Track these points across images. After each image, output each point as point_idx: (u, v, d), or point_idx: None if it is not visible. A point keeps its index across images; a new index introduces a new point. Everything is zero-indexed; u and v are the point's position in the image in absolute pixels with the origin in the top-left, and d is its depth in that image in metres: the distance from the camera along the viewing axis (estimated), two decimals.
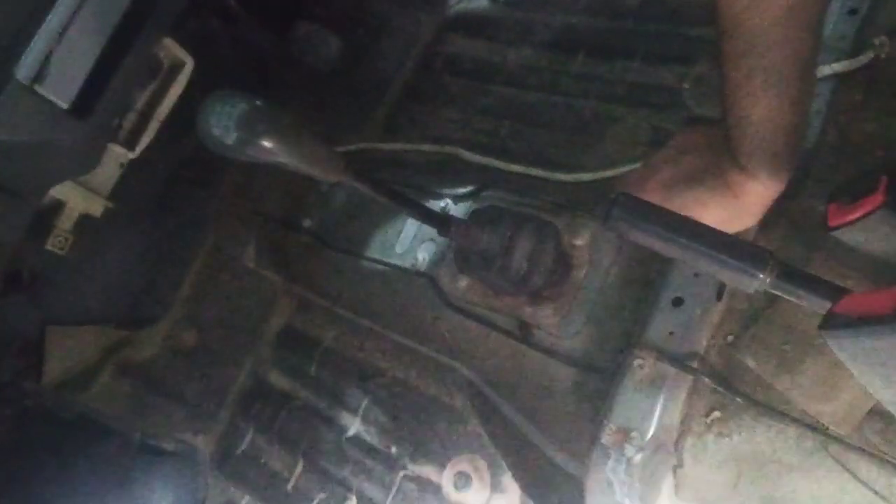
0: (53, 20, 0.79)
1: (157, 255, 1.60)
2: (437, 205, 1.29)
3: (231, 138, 0.75)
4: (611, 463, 0.95)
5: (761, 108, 0.79)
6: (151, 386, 1.62)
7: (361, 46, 1.69)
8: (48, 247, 1.27)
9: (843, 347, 0.60)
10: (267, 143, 0.75)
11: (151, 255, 1.59)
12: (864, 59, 1.02)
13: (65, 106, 0.87)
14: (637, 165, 1.14)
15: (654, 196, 0.92)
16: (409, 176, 1.44)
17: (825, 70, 1.02)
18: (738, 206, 0.88)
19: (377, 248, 1.36)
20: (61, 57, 0.82)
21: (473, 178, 1.35)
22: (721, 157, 0.87)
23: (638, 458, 0.94)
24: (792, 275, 0.71)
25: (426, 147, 1.51)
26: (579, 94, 1.44)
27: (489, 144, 1.51)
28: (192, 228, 1.65)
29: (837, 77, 1.04)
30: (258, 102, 0.77)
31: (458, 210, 1.27)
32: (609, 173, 1.25)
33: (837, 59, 1.03)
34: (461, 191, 1.30)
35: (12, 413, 1.45)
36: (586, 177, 1.27)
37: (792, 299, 0.72)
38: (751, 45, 0.76)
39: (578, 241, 1.12)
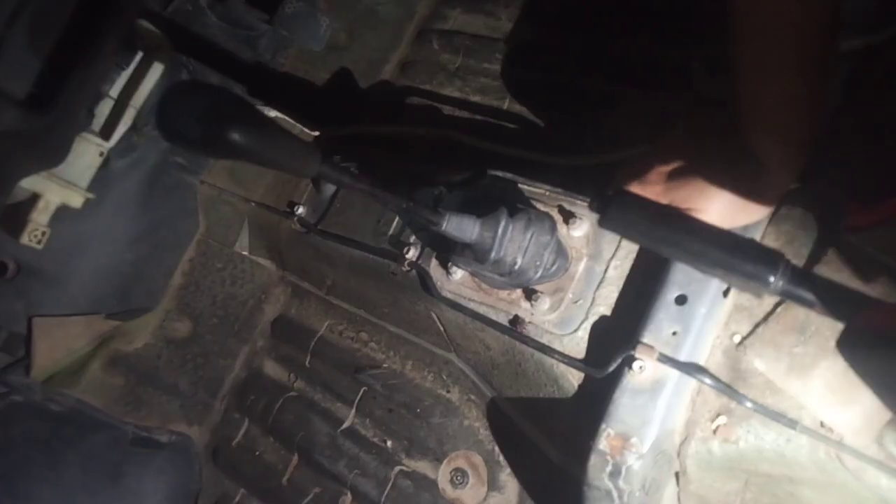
0: (2, 5, 0.73)
1: (146, 244, 1.55)
2: (431, 192, 1.23)
3: (194, 133, 0.69)
4: (609, 470, 0.90)
5: (775, 90, 0.73)
6: (143, 377, 1.58)
7: (354, 24, 1.62)
8: (23, 241, 1.22)
9: (865, 367, 0.55)
10: (233, 138, 0.69)
11: (141, 243, 1.54)
12: (886, 33, 0.94)
13: (21, 97, 0.81)
14: (640, 148, 1.07)
15: (656, 187, 0.86)
16: (403, 161, 1.38)
17: (844, 46, 0.95)
18: (748, 197, 0.82)
19: (369, 236, 1.30)
20: (14, 45, 0.76)
21: (469, 162, 1.28)
22: (730, 146, 0.81)
23: (638, 465, 0.88)
24: (806, 280, 0.65)
25: (421, 130, 1.44)
26: (581, 73, 1.37)
27: (487, 126, 1.45)
28: (182, 216, 1.60)
29: (857, 53, 0.96)
30: (223, 94, 0.71)
31: (452, 198, 1.20)
32: (611, 157, 1.18)
33: (857, 34, 0.95)
34: (456, 177, 1.23)
35: (0, 407, 1.42)
36: (587, 161, 1.21)
37: (805, 307, 0.66)
38: (764, 23, 0.69)
39: (577, 233, 1.06)
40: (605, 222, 0.74)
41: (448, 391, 1.35)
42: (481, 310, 1.10)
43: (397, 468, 1.34)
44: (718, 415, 0.89)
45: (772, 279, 0.66)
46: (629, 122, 1.28)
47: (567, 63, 1.40)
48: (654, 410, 0.88)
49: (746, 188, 0.81)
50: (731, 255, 0.67)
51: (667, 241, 0.69)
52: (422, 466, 1.33)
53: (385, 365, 1.43)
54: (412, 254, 1.19)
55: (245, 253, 1.66)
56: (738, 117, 0.78)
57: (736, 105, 0.78)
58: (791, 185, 0.82)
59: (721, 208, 0.82)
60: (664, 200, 0.83)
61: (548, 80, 1.42)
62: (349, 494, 1.37)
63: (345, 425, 1.43)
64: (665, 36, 1.32)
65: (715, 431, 0.89)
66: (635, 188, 0.86)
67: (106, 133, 1.24)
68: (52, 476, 1.44)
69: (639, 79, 1.31)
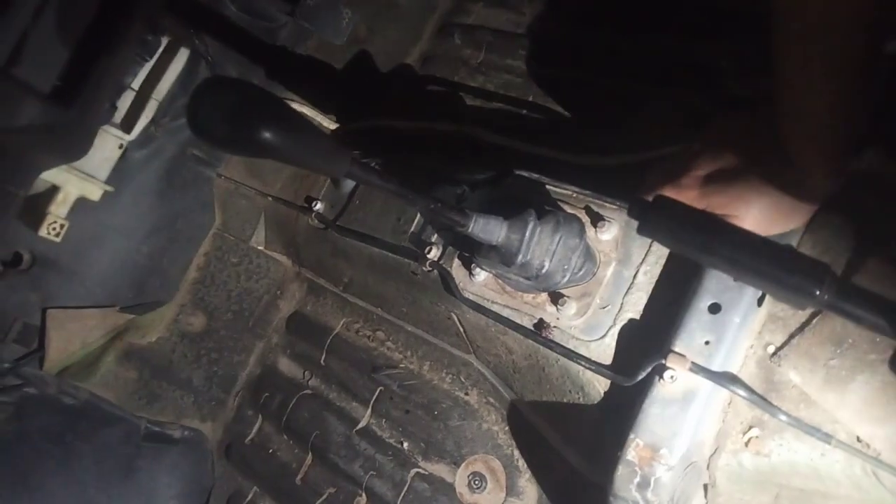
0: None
1: (162, 237, 1.53)
2: (453, 191, 1.20)
3: (222, 131, 0.67)
4: (637, 481, 0.88)
5: (818, 97, 0.70)
6: (157, 371, 1.57)
7: (375, 17, 1.59)
8: (41, 233, 1.20)
9: None
10: (264, 137, 0.67)
11: (157, 236, 1.52)
12: None
13: (46, 90, 0.79)
14: (669, 149, 1.05)
15: (689, 192, 0.84)
16: (423, 157, 1.36)
17: (887, 48, 0.91)
18: (787, 203, 0.80)
19: (389, 234, 1.28)
20: (38, 38, 0.74)
21: (492, 160, 1.26)
22: (768, 149, 0.78)
23: (667, 477, 0.86)
24: (853, 294, 0.63)
25: (443, 126, 1.42)
26: (607, 71, 1.34)
27: (510, 124, 1.42)
28: (198, 209, 1.58)
29: None
30: (254, 91, 0.69)
31: (476, 197, 1.18)
32: (639, 158, 1.16)
33: None
34: (480, 176, 1.21)
35: (13, 400, 1.40)
36: (615, 161, 1.18)
37: (851, 321, 0.64)
38: (810, 27, 0.67)
39: (605, 236, 1.03)
40: (644, 229, 0.71)
41: (466, 393, 1.33)
42: (505, 313, 1.08)
43: (414, 470, 1.32)
44: (751, 427, 0.87)
45: (817, 292, 0.64)
46: (657, 122, 1.25)
47: (592, 60, 1.37)
48: (684, 421, 0.86)
49: (786, 195, 0.79)
50: (776, 266, 0.65)
51: (709, 251, 0.67)
52: (439, 469, 1.31)
53: (402, 365, 1.41)
54: (434, 253, 1.17)
55: (261, 248, 1.64)
56: (779, 121, 0.76)
57: (776, 110, 0.76)
58: (831, 191, 0.80)
59: (759, 215, 0.80)
60: (699, 205, 0.81)
61: (572, 77, 1.39)
62: (364, 496, 1.36)
63: (360, 425, 1.42)
64: (694, 32, 1.28)
65: (747, 444, 0.86)
66: (669, 192, 0.83)
67: (127, 126, 1.22)
68: (66, 470, 1.43)
69: (667, 76, 1.28)
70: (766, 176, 0.79)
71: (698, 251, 0.68)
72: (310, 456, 1.46)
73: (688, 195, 0.83)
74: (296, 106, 1.42)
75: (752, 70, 1.15)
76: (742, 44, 1.19)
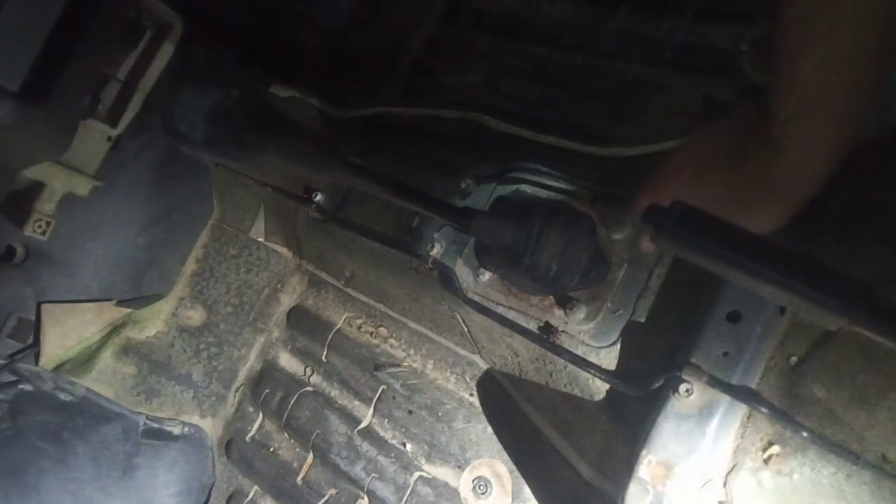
0: None
1: (159, 229, 1.49)
2: (458, 185, 1.14)
3: (199, 135, 0.61)
4: (649, 500, 0.83)
5: (843, 76, 0.62)
6: (156, 366, 1.53)
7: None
8: (27, 232, 1.16)
9: None
10: (245, 141, 0.61)
11: (153, 228, 1.48)
12: None
13: (13, 89, 0.74)
14: (684, 140, 0.99)
15: (688, 188, 0.77)
16: (427, 147, 1.30)
17: None
18: (757, 202, 0.71)
19: (391, 228, 1.23)
20: (4, 34, 0.68)
21: (499, 150, 1.20)
22: (753, 133, 0.71)
23: (681, 497, 0.81)
24: (892, 314, 0.57)
25: (448, 113, 1.36)
26: (620, 56, 1.27)
27: (518, 111, 1.36)
28: (196, 199, 1.54)
29: None
30: (234, 91, 0.63)
31: (481, 192, 1.12)
32: (653, 148, 1.09)
33: None
34: (485, 170, 1.15)
35: (8, 398, 1.37)
36: (627, 151, 1.12)
37: (889, 344, 0.58)
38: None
39: (617, 236, 0.97)
40: (661, 239, 0.65)
41: (471, 394, 1.28)
42: (510, 315, 1.03)
43: (417, 474, 1.28)
44: (771, 443, 0.81)
45: (853, 314, 0.58)
46: (674, 110, 1.19)
47: (604, 44, 1.30)
48: (701, 438, 0.81)
49: (761, 183, 0.71)
50: (812, 285, 0.58)
51: (735, 265, 0.60)
52: (443, 473, 1.27)
53: (405, 363, 1.37)
54: (437, 251, 1.12)
55: (261, 239, 1.59)
56: (776, 112, 0.67)
57: (778, 89, 0.67)
58: (822, 180, 0.70)
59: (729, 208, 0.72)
60: (695, 203, 0.74)
61: (583, 62, 1.32)
62: (366, 499, 1.32)
63: (362, 425, 1.37)
64: (711, 15, 1.21)
65: (766, 461, 0.81)
66: (664, 185, 0.78)
67: (113, 119, 1.17)
68: (62, 469, 1.40)
69: (682, 63, 1.21)
70: (745, 162, 0.71)
71: (721, 263, 0.62)
72: (311, 456, 1.42)
73: (682, 191, 0.76)
74: (294, 92, 1.36)
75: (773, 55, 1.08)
76: (762, 27, 1.12)
